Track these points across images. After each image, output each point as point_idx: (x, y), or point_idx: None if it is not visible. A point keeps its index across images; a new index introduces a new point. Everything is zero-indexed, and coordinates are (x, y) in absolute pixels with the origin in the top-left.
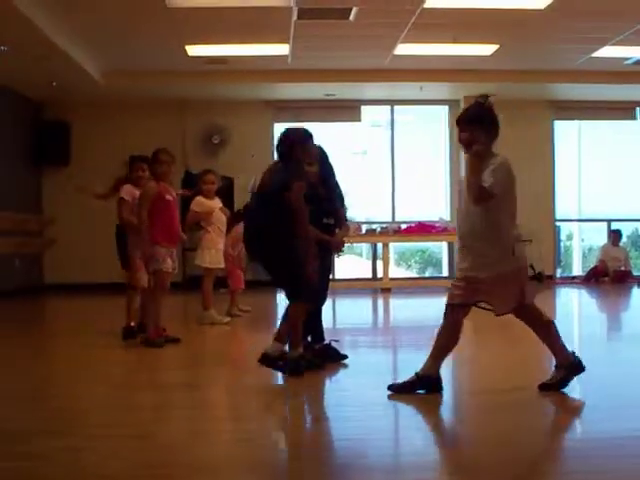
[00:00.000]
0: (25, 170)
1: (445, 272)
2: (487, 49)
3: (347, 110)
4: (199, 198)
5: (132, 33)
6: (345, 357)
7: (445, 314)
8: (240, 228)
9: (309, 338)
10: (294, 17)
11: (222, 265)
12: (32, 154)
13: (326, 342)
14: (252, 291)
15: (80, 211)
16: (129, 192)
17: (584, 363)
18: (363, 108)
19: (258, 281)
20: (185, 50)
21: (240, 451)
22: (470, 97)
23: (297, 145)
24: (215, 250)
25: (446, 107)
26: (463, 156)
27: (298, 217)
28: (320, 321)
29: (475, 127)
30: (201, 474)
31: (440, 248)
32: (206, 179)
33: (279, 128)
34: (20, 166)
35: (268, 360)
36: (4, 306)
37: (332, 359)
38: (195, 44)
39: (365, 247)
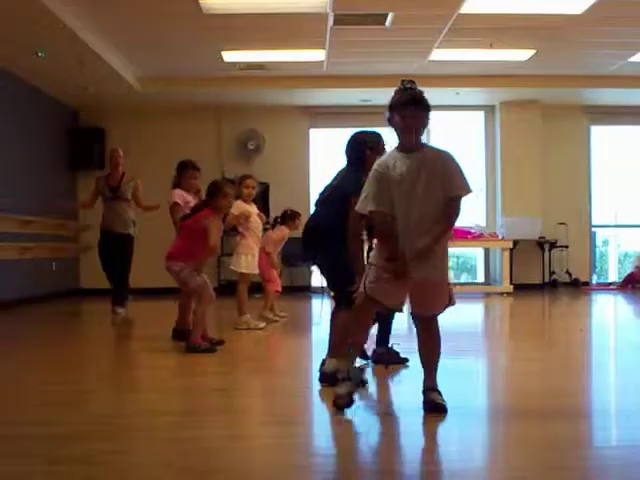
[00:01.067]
0: (61, 176)
1: (480, 278)
2: (523, 54)
3: (383, 116)
4: (239, 202)
5: (168, 39)
6: (406, 360)
7: None
8: (276, 234)
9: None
10: (330, 23)
11: (257, 271)
12: (68, 160)
13: (389, 345)
14: (287, 296)
15: None
16: (180, 196)
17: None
18: None
19: (293, 286)
20: (221, 56)
21: (277, 456)
22: (506, 103)
23: (367, 150)
24: (251, 256)
25: (482, 113)
26: (499, 161)
27: (348, 236)
28: (388, 325)
29: (427, 116)
30: (239, 478)
31: (474, 254)
32: (246, 183)
33: (314, 134)
34: (56, 172)
35: (326, 378)
36: (41, 310)
37: (394, 362)
38: (231, 50)
39: None
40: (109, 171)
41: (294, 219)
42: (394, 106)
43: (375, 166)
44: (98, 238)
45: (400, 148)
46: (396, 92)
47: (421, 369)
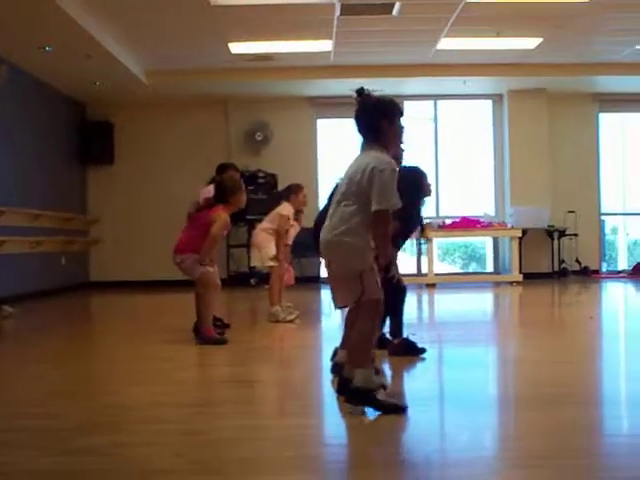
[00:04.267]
0: (70, 169)
1: (490, 267)
2: (531, 42)
3: None
4: (289, 207)
5: (175, 32)
6: (424, 351)
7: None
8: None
9: (388, 335)
10: (337, 13)
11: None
12: (76, 154)
13: (404, 336)
14: (297, 287)
15: (124, 210)
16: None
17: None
18: (406, 103)
19: (302, 277)
20: (228, 48)
21: (288, 447)
22: (514, 91)
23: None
24: (270, 248)
25: (490, 101)
26: (507, 150)
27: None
28: (400, 315)
29: None
30: (250, 469)
31: (484, 243)
32: (304, 194)
33: (322, 124)
34: (65, 166)
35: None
36: (51, 303)
37: (411, 353)
38: (238, 41)
39: (409, 242)
40: None
41: (297, 193)
42: (398, 110)
43: (393, 165)
44: None
45: (392, 154)
46: (380, 99)
47: (437, 359)
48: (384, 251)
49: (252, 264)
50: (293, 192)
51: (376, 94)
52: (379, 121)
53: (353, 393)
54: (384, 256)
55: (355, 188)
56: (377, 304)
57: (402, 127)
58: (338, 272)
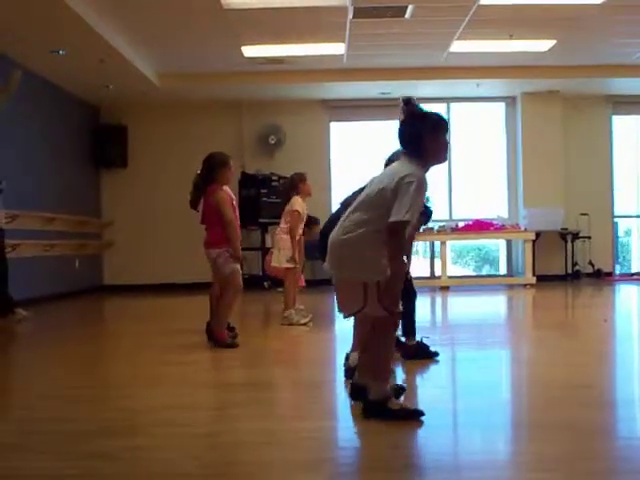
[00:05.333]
0: (84, 173)
1: (503, 270)
2: (544, 45)
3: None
4: (299, 199)
5: (188, 35)
6: (436, 354)
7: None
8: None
9: (400, 337)
10: (350, 16)
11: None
12: (90, 157)
13: (418, 339)
14: (309, 290)
15: (138, 213)
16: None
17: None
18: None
19: (315, 280)
20: (241, 51)
21: (302, 450)
22: (527, 94)
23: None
24: (288, 249)
25: (503, 104)
26: (520, 152)
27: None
28: (412, 317)
29: None
30: (264, 472)
31: (497, 245)
32: (307, 182)
33: (335, 127)
34: (78, 169)
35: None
36: (65, 306)
37: (424, 356)
38: (251, 45)
39: (422, 245)
40: None
41: (304, 182)
42: (443, 125)
43: (423, 180)
44: None
45: (426, 168)
46: (427, 113)
47: (449, 362)
48: (395, 266)
49: (272, 264)
50: (300, 182)
51: (423, 106)
52: (422, 134)
53: (368, 407)
54: (395, 274)
55: (376, 197)
56: (385, 319)
57: (447, 143)
58: (342, 278)
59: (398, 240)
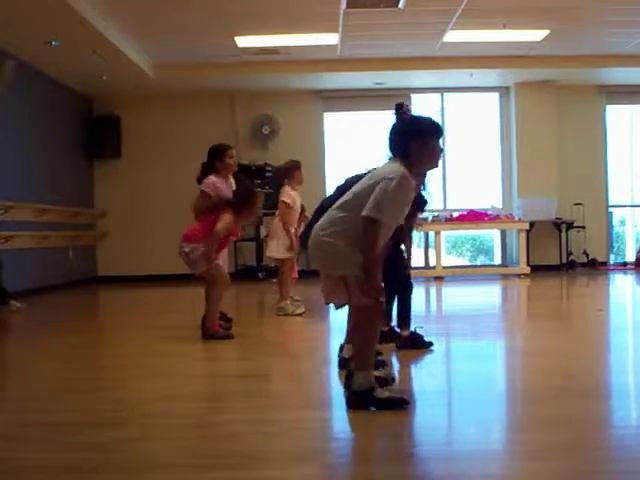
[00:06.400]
0: (77, 164)
1: (497, 260)
2: (537, 35)
3: (397, 98)
4: (288, 189)
5: (181, 25)
6: (431, 344)
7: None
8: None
9: (395, 327)
10: (343, 6)
11: (292, 254)
12: (84, 148)
13: (412, 329)
14: (303, 281)
15: (132, 204)
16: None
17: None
18: (413, 96)
19: (309, 270)
20: (235, 41)
21: (296, 441)
22: (521, 84)
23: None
24: (284, 238)
25: (496, 94)
26: (514, 142)
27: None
28: (407, 306)
29: None
30: (257, 463)
31: (491, 236)
32: (300, 170)
33: (329, 117)
34: (72, 160)
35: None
36: (59, 298)
37: (418, 346)
38: (244, 35)
39: (417, 235)
40: None
41: (295, 170)
42: (433, 132)
43: (405, 179)
44: None
45: (413, 173)
46: (418, 118)
47: (445, 353)
48: (367, 264)
49: (267, 254)
50: (296, 170)
51: (414, 113)
52: (409, 141)
53: (352, 398)
54: (366, 265)
55: (356, 198)
56: (368, 310)
57: (441, 149)
58: (323, 273)
59: (369, 233)
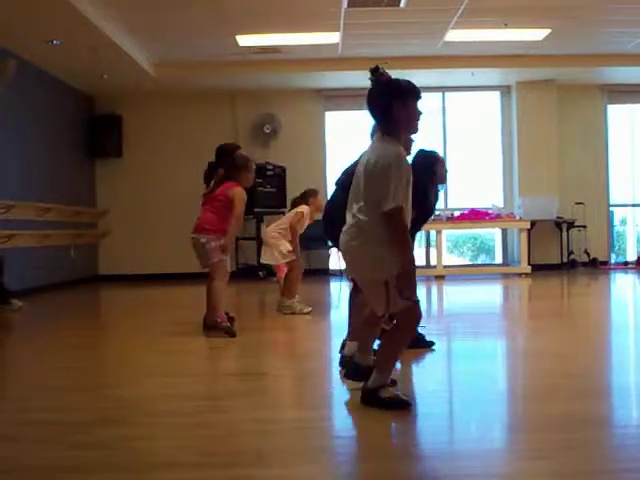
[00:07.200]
0: (79, 163)
1: (498, 259)
2: (539, 34)
3: None
4: (307, 209)
5: (183, 24)
6: (432, 344)
7: None
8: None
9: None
10: (344, 5)
11: (293, 256)
12: (85, 147)
13: None
14: (305, 280)
15: (133, 203)
16: None
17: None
18: None
19: (311, 269)
20: (236, 40)
21: (298, 439)
22: (522, 83)
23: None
24: (283, 244)
25: (498, 93)
26: (515, 141)
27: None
28: None
29: None
30: (259, 461)
31: (492, 235)
32: (320, 198)
33: (330, 116)
34: (73, 159)
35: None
36: (60, 296)
37: (419, 346)
38: (246, 34)
39: (418, 234)
40: None
41: (315, 196)
42: (412, 93)
43: (400, 158)
44: None
45: (402, 141)
46: (396, 80)
47: (446, 352)
48: (404, 255)
49: (263, 261)
50: (311, 196)
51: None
52: (390, 102)
53: (364, 394)
54: (406, 262)
55: (364, 189)
56: (409, 312)
57: (419, 112)
58: (363, 281)
59: (396, 226)
